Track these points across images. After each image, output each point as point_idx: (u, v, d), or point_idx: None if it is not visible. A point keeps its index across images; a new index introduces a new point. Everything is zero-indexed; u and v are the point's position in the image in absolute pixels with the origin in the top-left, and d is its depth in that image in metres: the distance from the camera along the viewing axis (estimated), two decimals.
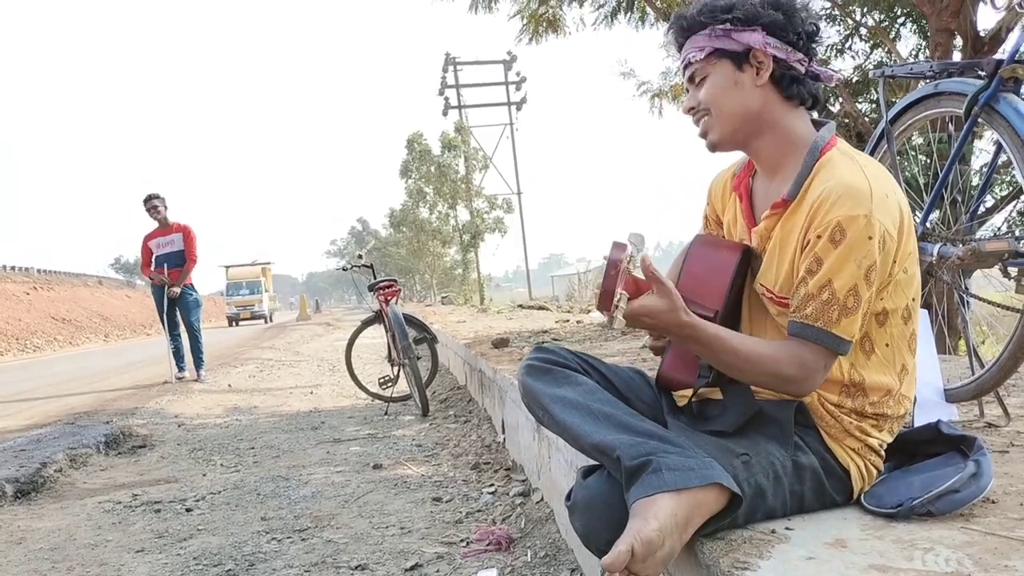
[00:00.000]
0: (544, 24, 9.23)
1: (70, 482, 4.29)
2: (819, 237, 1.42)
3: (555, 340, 6.00)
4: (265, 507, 3.49)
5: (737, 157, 1.74)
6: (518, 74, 36.71)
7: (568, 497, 1.51)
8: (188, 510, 3.52)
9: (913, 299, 1.55)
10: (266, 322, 35.78)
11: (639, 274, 1.46)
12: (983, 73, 2.08)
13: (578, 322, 8.55)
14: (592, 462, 1.53)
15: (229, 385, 8.52)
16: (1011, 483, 1.64)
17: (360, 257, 7.08)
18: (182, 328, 8.60)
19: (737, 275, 1.59)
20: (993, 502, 1.51)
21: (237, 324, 35.86)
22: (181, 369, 8.72)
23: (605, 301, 1.37)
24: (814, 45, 1.57)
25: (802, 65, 1.54)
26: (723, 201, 1.77)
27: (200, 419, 6.32)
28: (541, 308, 14.57)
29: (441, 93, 36.18)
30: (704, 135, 1.61)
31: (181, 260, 8.41)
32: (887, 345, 1.53)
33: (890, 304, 1.50)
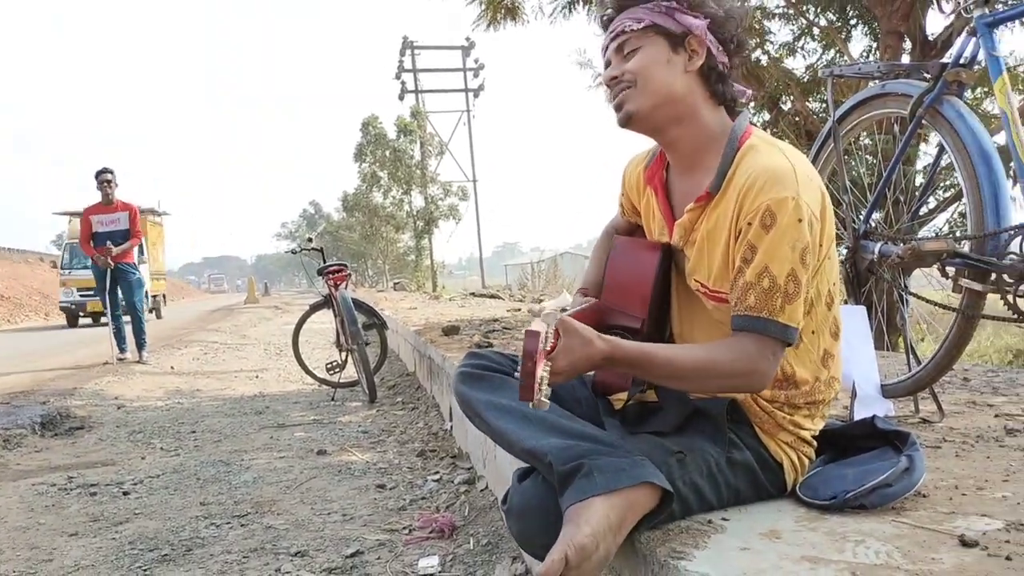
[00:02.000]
0: (503, 11, 9.17)
1: (3, 463, 4.17)
2: (750, 224, 1.41)
3: (506, 329, 6.00)
4: (205, 492, 3.43)
5: (643, 144, 1.70)
6: (476, 61, 36.53)
7: (504, 500, 1.50)
8: (125, 494, 3.44)
9: (834, 284, 1.56)
10: (157, 316, 20.07)
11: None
12: (928, 76, 2.12)
13: (529, 311, 8.56)
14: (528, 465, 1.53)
15: (172, 367, 8.36)
16: (942, 478, 1.68)
17: (310, 240, 7.00)
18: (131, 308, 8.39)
19: (659, 278, 1.59)
20: (924, 496, 1.55)
21: (76, 323, 18.61)
22: (123, 350, 8.53)
23: (527, 393, 1.24)
24: (739, 54, 1.57)
25: (725, 67, 1.54)
26: (637, 192, 1.75)
27: (141, 401, 6.19)
28: (493, 296, 14.57)
29: (398, 77, 35.83)
30: (620, 106, 1.54)
31: (125, 239, 8.20)
32: (813, 332, 1.54)
33: (814, 291, 1.51)
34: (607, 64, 1.59)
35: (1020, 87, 8.49)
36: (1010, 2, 3.19)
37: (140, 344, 8.48)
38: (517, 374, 1.26)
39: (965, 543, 1.28)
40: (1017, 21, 2.19)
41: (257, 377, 7.59)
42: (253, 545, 2.70)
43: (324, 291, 6.43)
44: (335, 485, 3.46)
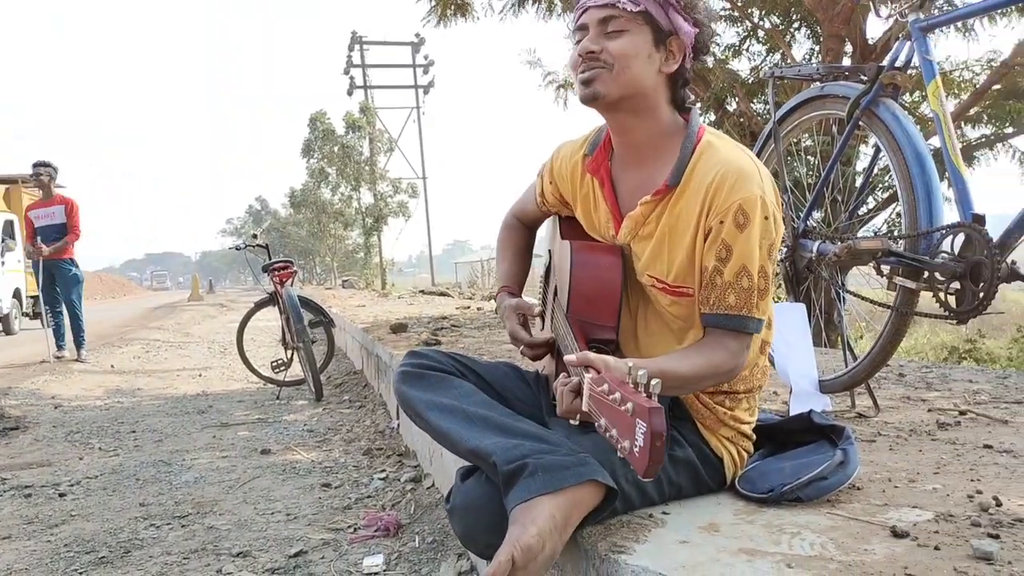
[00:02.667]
0: (452, 7, 9.15)
1: None
2: (722, 223, 1.42)
3: (454, 327, 5.98)
4: (144, 492, 3.35)
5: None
6: (426, 57, 36.40)
7: (447, 499, 1.49)
8: (61, 495, 3.35)
9: (775, 274, 1.59)
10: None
11: None
12: (865, 78, 2.17)
13: (479, 309, 8.56)
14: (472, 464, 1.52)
15: (112, 366, 8.15)
16: (876, 471, 1.72)
17: (255, 237, 6.88)
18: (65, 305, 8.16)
19: (624, 284, 1.59)
20: (858, 488, 1.59)
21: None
22: (61, 348, 8.29)
23: (653, 471, 1.07)
24: (698, 61, 1.57)
25: (689, 75, 1.55)
26: (572, 181, 1.71)
27: (79, 401, 6.02)
28: (443, 294, 14.53)
29: (346, 72, 35.51)
30: (589, 83, 1.48)
31: (62, 234, 7.96)
32: None
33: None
34: (581, 26, 1.52)
35: (956, 91, 8.77)
36: (944, 8, 3.28)
37: (79, 342, 8.25)
38: (620, 447, 1.10)
39: (896, 534, 1.32)
40: (951, 26, 2.25)
41: (200, 376, 7.45)
42: (194, 546, 2.65)
43: (270, 288, 6.34)
44: (279, 484, 3.41)
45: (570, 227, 1.77)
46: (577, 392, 1.25)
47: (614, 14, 1.47)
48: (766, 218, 1.42)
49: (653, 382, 1.10)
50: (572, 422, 1.26)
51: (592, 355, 1.27)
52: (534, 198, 1.84)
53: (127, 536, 2.78)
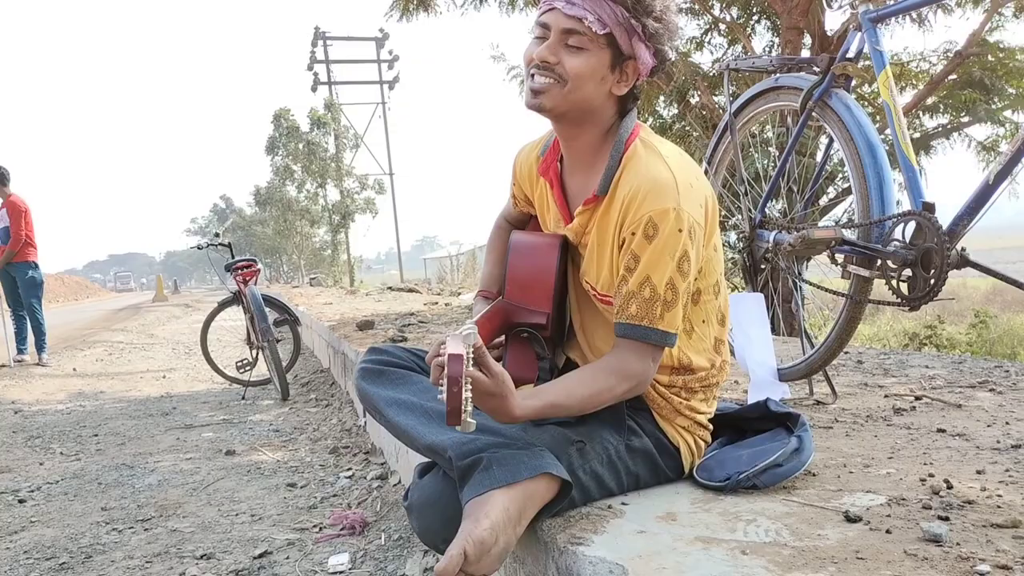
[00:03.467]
0: (415, 2, 9.10)
1: None
2: (633, 234, 1.44)
3: (422, 323, 5.96)
4: (106, 496, 3.31)
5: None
6: (391, 52, 36.17)
7: (406, 496, 1.49)
8: (21, 501, 3.30)
9: (720, 274, 1.61)
10: None
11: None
12: (818, 69, 2.20)
13: (446, 304, 8.54)
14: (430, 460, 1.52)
15: (74, 369, 8.03)
16: (831, 457, 1.75)
17: (218, 236, 6.80)
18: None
19: (559, 271, 1.61)
20: (813, 475, 1.61)
21: None
22: (21, 352, 8.13)
23: (455, 418, 1.21)
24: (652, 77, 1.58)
25: (638, 89, 1.57)
26: (530, 181, 1.75)
27: (40, 405, 5.92)
28: (411, 291, 14.44)
29: (310, 68, 35.18)
30: (538, 93, 1.48)
31: (7, 238, 7.79)
32: (703, 322, 1.59)
33: (703, 283, 1.55)
34: (542, 25, 1.48)
35: (914, 82, 8.91)
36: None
37: (40, 345, 8.10)
38: (440, 397, 1.22)
39: (849, 519, 1.34)
40: (906, 17, 2.28)
41: (164, 377, 7.36)
42: (157, 550, 2.62)
43: (233, 288, 6.27)
44: (244, 485, 3.39)
45: (537, 225, 1.80)
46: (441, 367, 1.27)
47: (578, 29, 1.44)
48: (679, 231, 1.42)
49: (466, 331, 1.22)
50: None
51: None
52: (514, 203, 1.87)
53: (88, 541, 2.74)
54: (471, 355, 1.24)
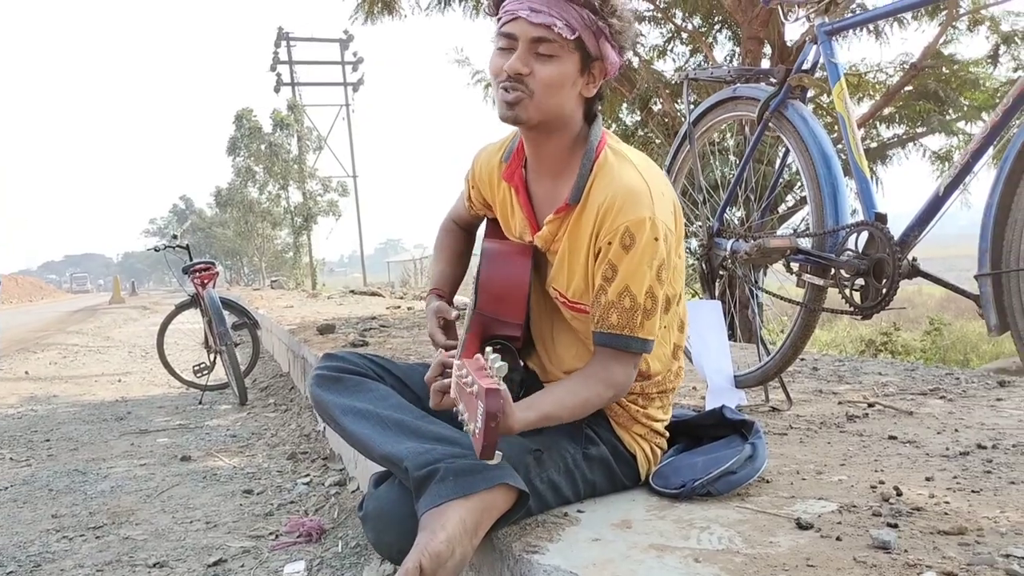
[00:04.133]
0: (379, 4, 9.07)
1: None
2: (610, 244, 1.45)
3: (383, 327, 5.93)
4: (57, 503, 3.23)
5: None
6: (355, 54, 35.96)
7: (360, 507, 1.48)
8: None
9: (682, 283, 1.62)
10: None
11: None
12: (774, 80, 2.23)
13: (409, 308, 8.51)
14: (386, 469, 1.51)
15: (27, 372, 7.85)
16: (785, 464, 1.77)
17: (175, 237, 6.69)
18: None
19: (532, 283, 1.61)
20: (767, 482, 1.63)
21: None
22: None
23: (489, 453, 1.21)
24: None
25: (601, 95, 1.58)
26: (491, 186, 1.73)
27: None
28: (374, 294, 14.37)
29: (273, 69, 34.83)
30: (511, 105, 1.46)
31: None
32: (665, 327, 1.60)
33: (670, 291, 1.56)
34: (508, 34, 1.46)
35: (871, 92, 9.08)
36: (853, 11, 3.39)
37: None
38: (472, 431, 1.21)
39: (801, 526, 1.36)
40: (863, 29, 2.32)
41: (120, 381, 7.22)
42: (108, 558, 2.56)
43: (191, 290, 6.18)
44: (199, 492, 3.33)
45: (495, 228, 1.79)
46: (444, 391, 1.31)
47: (548, 37, 1.42)
48: (656, 239, 1.43)
49: (497, 364, 1.20)
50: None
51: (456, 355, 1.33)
52: (464, 202, 1.84)
53: (38, 549, 2.68)
54: (504, 387, 1.22)
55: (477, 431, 1.19)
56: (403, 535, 1.33)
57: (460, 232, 1.91)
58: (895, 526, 1.34)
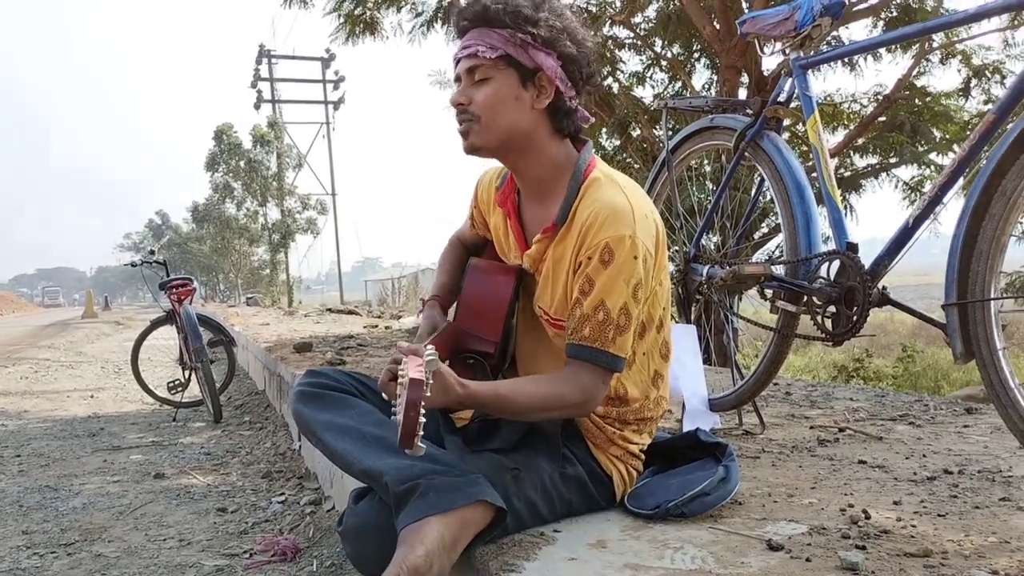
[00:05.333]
0: (361, 25, 9.11)
1: None
2: (590, 259, 1.49)
3: (360, 346, 5.93)
4: (28, 520, 3.19)
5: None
6: (336, 73, 36.01)
7: (340, 522, 1.49)
8: None
9: (664, 308, 1.66)
10: None
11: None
12: (751, 111, 2.29)
13: (387, 328, 8.50)
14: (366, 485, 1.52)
15: None
16: (757, 486, 1.80)
17: (152, 253, 6.66)
18: None
19: (512, 303, 1.65)
20: (740, 503, 1.66)
21: None
22: None
23: (407, 442, 1.24)
24: (588, 85, 1.60)
25: (573, 102, 1.58)
26: (489, 207, 1.79)
27: None
28: (351, 312, 14.32)
29: (254, 86, 34.80)
30: (465, 135, 1.56)
31: None
32: (644, 354, 1.64)
33: (646, 316, 1.60)
34: (457, 77, 1.57)
35: (846, 122, 9.24)
36: (827, 46, 3.47)
37: None
38: (394, 417, 1.25)
39: (772, 547, 1.39)
40: (839, 62, 2.38)
41: (92, 397, 7.14)
42: (80, 575, 2.54)
43: (167, 306, 6.14)
44: (172, 510, 3.31)
45: (493, 252, 1.83)
46: (391, 378, 1.34)
47: (477, 63, 1.52)
48: (635, 258, 1.47)
49: (430, 357, 1.25)
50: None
51: (412, 346, 1.35)
52: (471, 224, 1.89)
53: (8, 566, 2.65)
54: (430, 380, 1.26)
55: (398, 419, 1.23)
56: (382, 550, 1.34)
57: (464, 250, 1.95)
58: (863, 548, 1.38)
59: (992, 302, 1.56)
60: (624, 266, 1.47)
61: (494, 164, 1.79)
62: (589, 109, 1.67)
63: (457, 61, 1.57)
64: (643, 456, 1.69)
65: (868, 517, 1.54)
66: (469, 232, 1.92)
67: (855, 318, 1.94)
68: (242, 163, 33.21)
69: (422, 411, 1.23)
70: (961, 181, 1.80)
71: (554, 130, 1.58)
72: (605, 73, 8.17)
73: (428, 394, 1.24)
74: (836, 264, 2.01)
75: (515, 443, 1.57)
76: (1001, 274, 1.59)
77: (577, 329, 1.50)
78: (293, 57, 36.01)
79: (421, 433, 1.24)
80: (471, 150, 1.57)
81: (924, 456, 2.08)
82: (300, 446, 4.11)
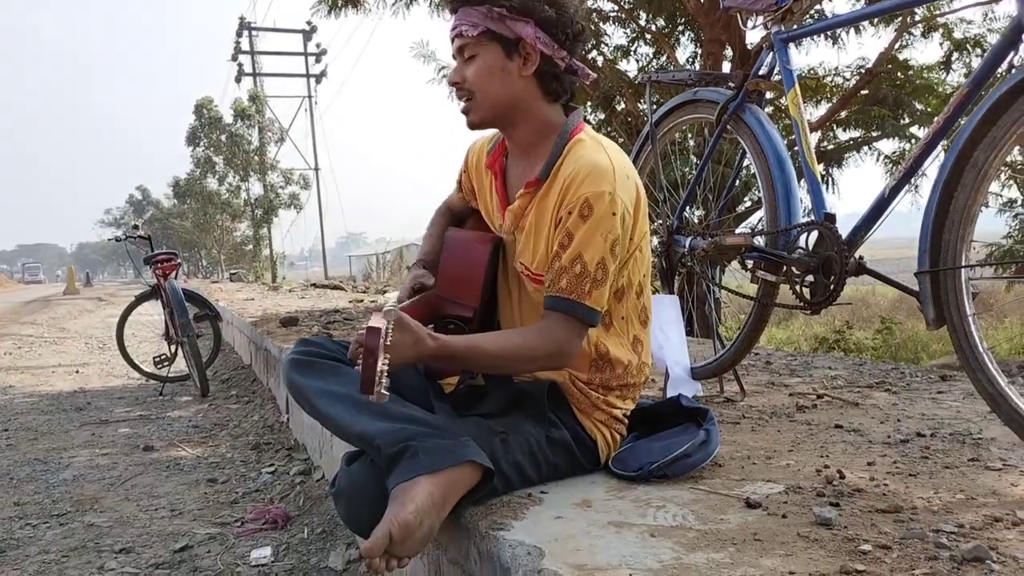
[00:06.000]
0: None
1: None
2: (570, 213, 1.55)
3: (346, 320, 5.95)
4: (19, 492, 3.23)
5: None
6: (318, 46, 35.63)
7: (332, 484, 1.54)
8: None
9: (644, 275, 1.72)
10: None
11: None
12: (733, 85, 2.32)
13: (372, 302, 8.51)
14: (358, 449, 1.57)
15: None
16: (737, 450, 1.86)
17: (136, 228, 6.64)
18: None
19: (489, 269, 1.70)
20: (720, 465, 1.72)
21: None
22: None
23: (368, 387, 1.30)
24: (578, 44, 1.66)
25: (564, 62, 1.64)
26: (478, 172, 1.85)
27: None
28: (336, 287, 14.31)
29: (234, 59, 34.36)
30: (466, 113, 1.67)
31: None
32: (622, 318, 1.69)
33: (625, 280, 1.66)
34: (453, 57, 1.67)
35: (829, 96, 9.28)
36: (808, 21, 3.50)
37: None
38: (357, 367, 1.32)
39: (750, 505, 1.45)
40: (817, 36, 2.42)
41: (77, 372, 7.14)
42: (73, 544, 2.59)
43: (152, 281, 6.14)
44: (163, 481, 3.35)
45: (478, 222, 1.89)
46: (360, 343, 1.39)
47: (464, 42, 1.62)
48: (613, 214, 1.53)
49: (388, 305, 1.33)
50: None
51: (376, 305, 1.41)
52: (459, 190, 1.95)
53: (1, 535, 2.68)
54: (390, 328, 1.33)
55: (358, 366, 1.31)
56: (374, 510, 1.38)
57: (451, 217, 2.00)
58: (837, 505, 1.44)
59: (963, 270, 1.61)
60: (602, 221, 1.53)
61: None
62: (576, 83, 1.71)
63: (452, 43, 1.66)
64: (626, 421, 1.74)
65: (843, 477, 1.60)
66: (457, 199, 1.97)
67: (832, 287, 1.99)
68: (223, 137, 32.91)
69: (382, 358, 1.29)
70: (933, 154, 1.84)
71: (545, 93, 1.65)
72: (589, 47, 8.15)
73: (387, 342, 1.31)
74: (814, 234, 2.06)
75: (502, 407, 1.62)
76: (972, 243, 1.65)
77: (555, 281, 1.56)
78: (274, 30, 35.59)
79: (384, 381, 1.30)
80: (473, 126, 1.68)
81: (899, 420, 2.15)
82: (288, 418, 4.15)
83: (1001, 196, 9.67)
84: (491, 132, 1.84)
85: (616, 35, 9.36)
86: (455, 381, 1.75)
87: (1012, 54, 1.64)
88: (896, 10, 2.13)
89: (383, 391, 1.30)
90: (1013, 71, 1.53)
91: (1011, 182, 9.33)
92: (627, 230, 1.58)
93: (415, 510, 1.31)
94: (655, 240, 2.59)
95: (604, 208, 1.52)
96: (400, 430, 1.43)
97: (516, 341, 1.56)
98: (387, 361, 1.31)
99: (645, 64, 9.27)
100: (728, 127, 2.30)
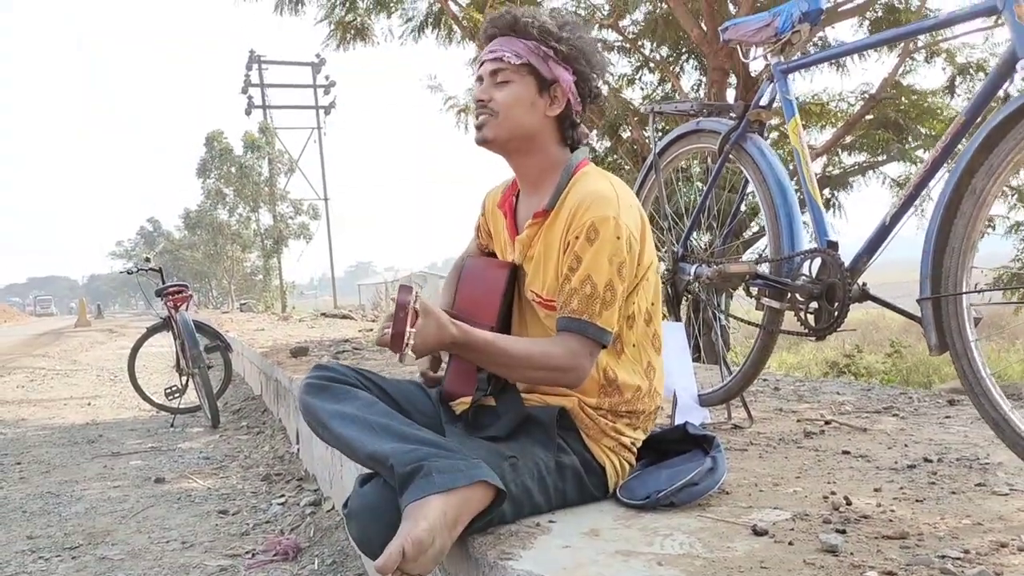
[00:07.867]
0: (352, 32, 9.18)
1: None
2: (577, 238, 1.61)
3: (356, 349, 5.98)
4: (32, 525, 3.25)
5: (503, 170, 1.88)
6: (327, 78, 36.05)
7: (345, 505, 1.56)
8: None
9: (653, 303, 1.76)
10: None
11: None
12: (734, 115, 2.36)
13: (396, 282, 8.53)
14: (370, 471, 1.59)
15: None
16: (744, 477, 1.87)
17: (148, 260, 6.71)
18: None
19: (507, 291, 1.76)
20: (727, 493, 1.73)
21: None
22: None
23: (397, 342, 1.41)
24: (594, 103, 1.78)
25: (578, 116, 1.74)
26: (494, 215, 1.92)
27: None
28: (345, 317, 14.33)
29: (245, 91, 34.78)
30: (480, 128, 1.72)
31: None
32: (634, 345, 1.72)
33: (634, 307, 1.70)
34: (479, 78, 1.73)
35: (833, 121, 9.33)
36: (809, 50, 3.53)
37: None
38: (387, 330, 1.44)
39: (757, 532, 1.45)
40: (815, 67, 2.45)
41: (89, 404, 7.18)
42: None
43: (163, 313, 6.19)
44: (174, 513, 3.36)
45: None
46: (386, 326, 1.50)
47: (501, 67, 1.69)
48: (618, 238, 1.59)
49: (414, 280, 1.39)
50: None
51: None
52: (477, 237, 2.02)
53: (14, 570, 2.70)
54: (420, 294, 1.42)
55: (388, 325, 1.44)
56: (386, 531, 1.40)
57: None
58: (843, 532, 1.44)
59: (964, 296, 1.63)
60: (608, 244, 1.59)
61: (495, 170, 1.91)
62: (581, 109, 1.79)
63: (482, 63, 1.73)
64: (635, 450, 1.76)
65: (849, 503, 1.61)
66: (475, 248, 2.04)
67: (836, 313, 2.01)
68: (233, 168, 33.21)
69: (411, 317, 1.41)
70: (933, 181, 1.87)
71: (559, 138, 1.74)
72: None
73: (416, 306, 1.43)
74: (817, 261, 2.08)
75: (511, 431, 1.65)
76: (974, 268, 1.67)
77: (566, 303, 1.61)
78: (284, 63, 36.03)
79: (411, 342, 1.42)
80: (482, 141, 1.72)
81: (906, 446, 2.15)
82: (298, 449, 4.17)
83: (1008, 219, 9.68)
84: (503, 181, 1.92)
85: (621, 64, 9.47)
86: (467, 402, 1.77)
87: (1007, 83, 1.67)
88: (894, 40, 2.17)
89: (410, 352, 1.39)
90: (1009, 100, 1.56)
91: (1020, 204, 9.34)
92: (634, 255, 1.63)
93: (428, 528, 1.33)
94: (662, 266, 2.61)
95: (609, 232, 1.58)
96: (413, 450, 1.46)
97: (535, 347, 1.62)
98: (413, 331, 1.41)
99: (650, 92, 9.37)
100: (731, 156, 2.33)
